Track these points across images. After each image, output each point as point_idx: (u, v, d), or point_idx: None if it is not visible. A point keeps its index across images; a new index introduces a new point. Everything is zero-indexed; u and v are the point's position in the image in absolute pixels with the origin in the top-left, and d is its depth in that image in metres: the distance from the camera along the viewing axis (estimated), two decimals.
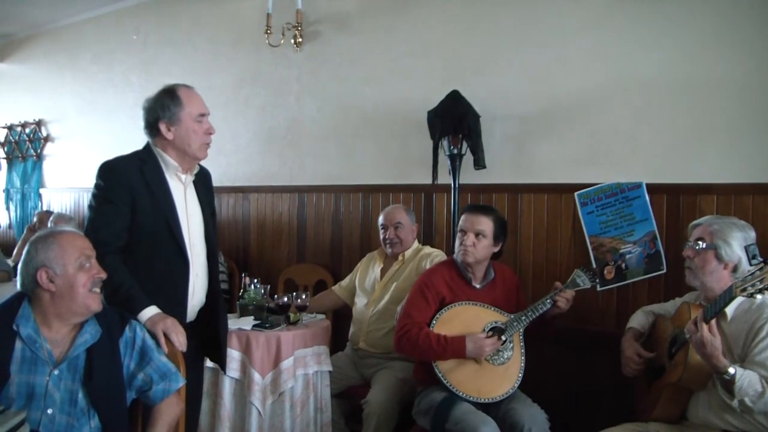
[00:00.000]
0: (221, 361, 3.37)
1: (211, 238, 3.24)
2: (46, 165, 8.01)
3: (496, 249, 3.71)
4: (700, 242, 3.04)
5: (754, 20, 3.67)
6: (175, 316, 2.88)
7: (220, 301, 3.29)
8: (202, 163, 3.26)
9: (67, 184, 7.69)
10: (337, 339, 4.76)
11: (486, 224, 3.64)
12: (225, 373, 3.76)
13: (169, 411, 2.66)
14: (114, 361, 2.57)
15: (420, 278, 3.79)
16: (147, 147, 3.15)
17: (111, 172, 3.00)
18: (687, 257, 3.10)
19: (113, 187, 2.96)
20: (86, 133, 7.43)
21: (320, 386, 4.04)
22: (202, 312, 3.21)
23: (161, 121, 3.05)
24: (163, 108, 3.06)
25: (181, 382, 2.69)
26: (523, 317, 3.56)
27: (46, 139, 7.96)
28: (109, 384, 2.54)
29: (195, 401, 3.31)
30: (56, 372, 2.45)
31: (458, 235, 3.69)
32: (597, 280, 3.75)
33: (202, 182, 3.29)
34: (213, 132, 3.16)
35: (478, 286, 3.72)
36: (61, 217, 6.47)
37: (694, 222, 3.20)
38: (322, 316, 4.43)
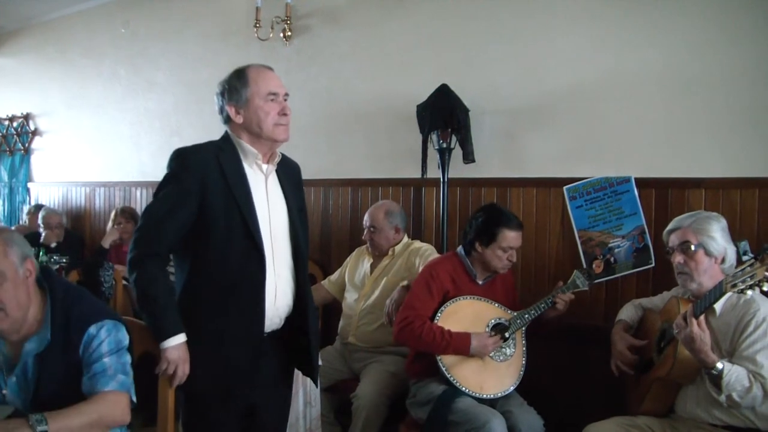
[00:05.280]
0: (312, 374, 3.07)
1: (299, 236, 2.94)
2: (34, 159, 7.98)
3: None
4: (688, 245, 3.06)
5: (744, 17, 3.68)
6: (251, 319, 2.74)
7: (309, 307, 2.97)
8: (292, 156, 3.06)
9: (56, 178, 7.66)
10: (327, 333, 4.76)
11: None
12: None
13: (99, 403, 2.43)
14: (67, 368, 2.46)
15: (425, 270, 3.78)
16: (224, 135, 2.90)
17: (183, 159, 2.77)
18: (678, 263, 3.09)
19: (181, 177, 2.73)
20: (75, 126, 7.41)
21: (309, 380, 4.02)
22: (290, 319, 2.94)
23: (229, 105, 2.83)
24: (230, 90, 2.83)
25: (107, 388, 2.45)
26: (526, 315, 3.61)
27: (34, 132, 7.92)
28: (59, 394, 2.44)
29: (281, 422, 3.13)
30: (13, 379, 2.43)
31: (501, 252, 3.64)
32: (592, 283, 3.76)
33: (290, 176, 3.04)
34: (288, 113, 2.85)
35: (480, 282, 3.75)
36: (53, 213, 6.47)
37: (668, 228, 3.21)
38: (317, 310, 4.41)
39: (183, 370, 2.68)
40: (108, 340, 2.51)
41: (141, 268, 2.65)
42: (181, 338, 2.66)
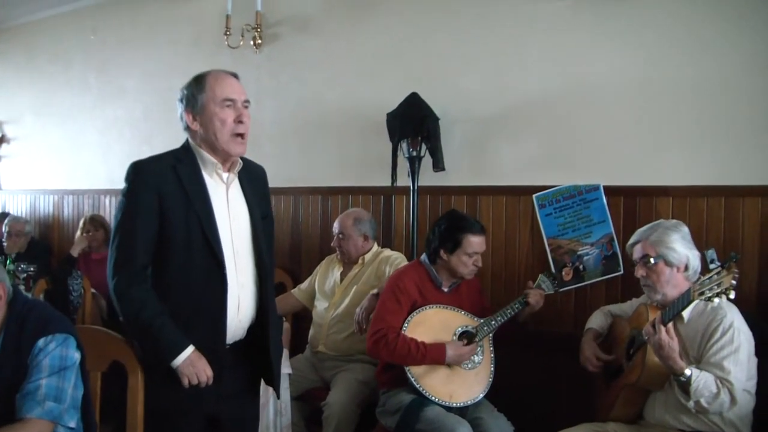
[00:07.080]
0: (274, 383, 2.99)
1: (261, 245, 2.87)
2: (2, 166, 7.85)
3: None
4: (648, 258, 3.09)
5: (711, 25, 3.72)
6: (213, 334, 2.70)
7: (271, 316, 2.89)
8: (262, 164, 3.02)
9: (24, 186, 7.56)
10: (297, 342, 4.74)
11: None
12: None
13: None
14: (14, 375, 2.44)
15: (391, 281, 3.77)
16: (185, 144, 2.83)
17: (137, 174, 2.70)
18: (641, 276, 3.14)
19: (139, 192, 2.67)
20: (43, 133, 7.31)
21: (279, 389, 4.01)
22: (252, 329, 2.88)
23: (186, 111, 2.76)
24: (188, 96, 2.76)
25: (30, 414, 2.37)
26: (493, 321, 3.62)
27: (2, 139, 7.79)
28: (4, 401, 2.41)
29: None
30: None
31: (467, 257, 3.64)
32: (558, 287, 3.83)
33: (254, 182, 2.96)
34: (246, 120, 2.76)
35: (446, 290, 3.75)
36: (16, 221, 6.39)
37: (630, 241, 3.26)
38: (282, 319, 4.39)
39: (205, 376, 2.65)
40: (52, 356, 2.46)
41: (125, 298, 2.62)
42: (187, 351, 2.63)
